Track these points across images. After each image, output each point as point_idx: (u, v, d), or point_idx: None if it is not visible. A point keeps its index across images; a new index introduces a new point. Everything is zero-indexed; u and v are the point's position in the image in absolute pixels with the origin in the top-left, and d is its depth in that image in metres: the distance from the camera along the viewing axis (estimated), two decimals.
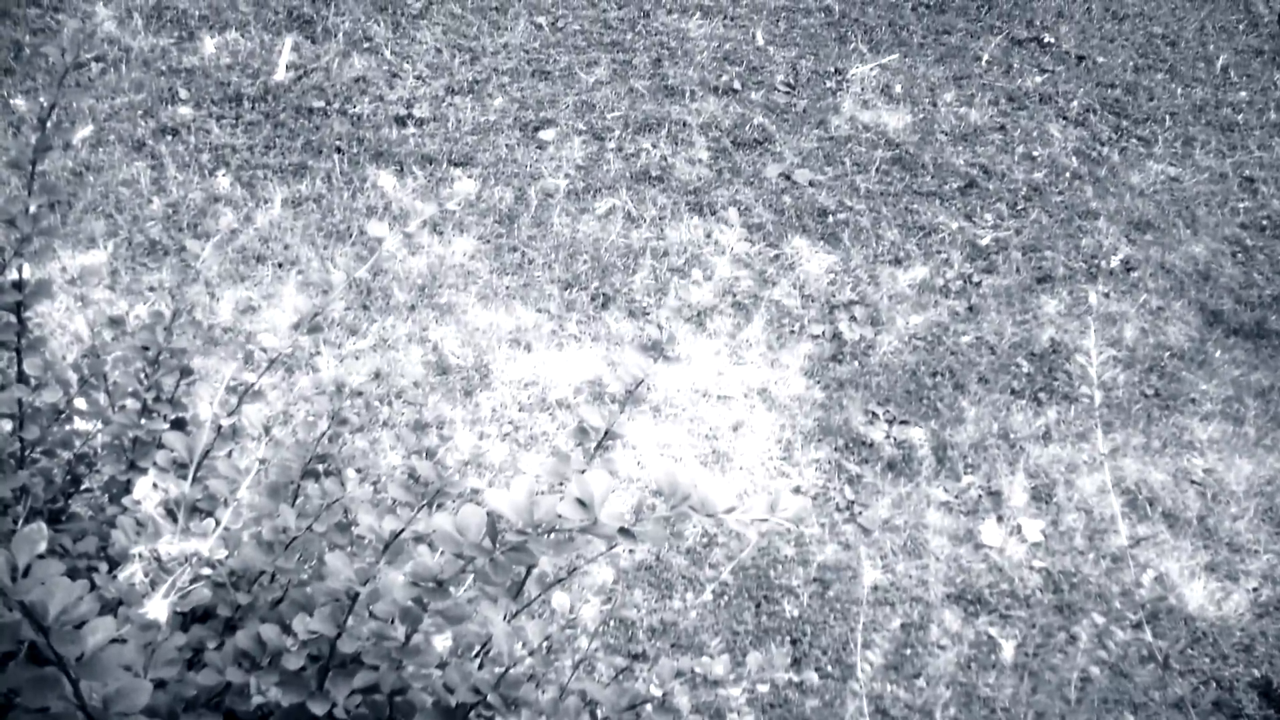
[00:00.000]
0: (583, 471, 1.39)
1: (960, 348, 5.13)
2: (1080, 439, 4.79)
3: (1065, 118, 6.52)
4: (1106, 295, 5.46)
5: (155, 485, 1.79)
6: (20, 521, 2.04)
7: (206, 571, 1.64)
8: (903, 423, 4.79)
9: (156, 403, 2.18)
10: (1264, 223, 5.99)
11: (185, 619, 1.78)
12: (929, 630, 4.08)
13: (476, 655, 1.93)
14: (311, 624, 1.66)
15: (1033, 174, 6.09)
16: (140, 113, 5.67)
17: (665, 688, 1.83)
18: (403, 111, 5.92)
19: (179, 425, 2.20)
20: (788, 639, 4.02)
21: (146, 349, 2.20)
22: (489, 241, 5.29)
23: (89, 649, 1.27)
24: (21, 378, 2.13)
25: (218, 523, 1.72)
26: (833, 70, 6.62)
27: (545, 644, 1.77)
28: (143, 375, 2.19)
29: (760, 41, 6.77)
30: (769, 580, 4.18)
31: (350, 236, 5.19)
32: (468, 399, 4.64)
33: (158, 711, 1.62)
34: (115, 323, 2.32)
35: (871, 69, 6.65)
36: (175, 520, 1.70)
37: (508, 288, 5.09)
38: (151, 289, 4.84)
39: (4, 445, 2.11)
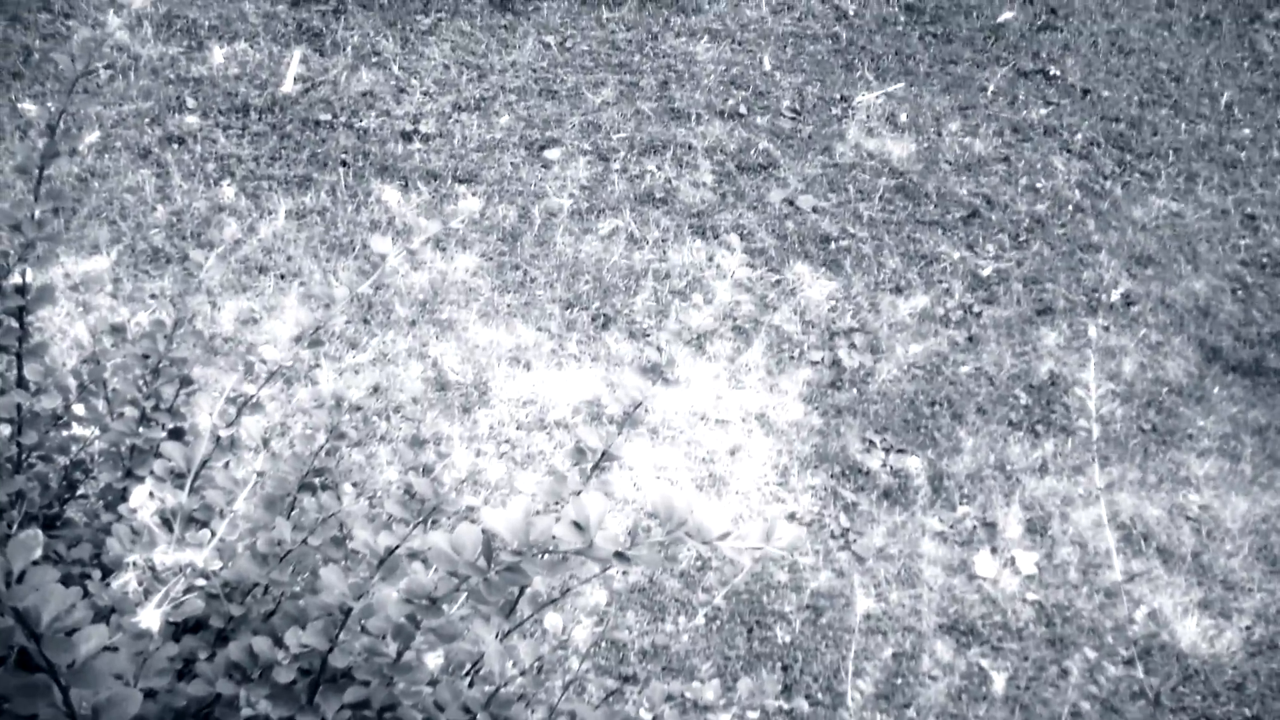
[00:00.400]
0: (579, 493, 1.39)
1: (959, 378, 5.13)
2: (1076, 472, 4.79)
3: (1069, 150, 6.54)
4: (1106, 329, 5.46)
5: (152, 494, 1.79)
6: (15, 526, 2.04)
7: (200, 582, 1.64)
8: (900, 451, 4.79)
9: (155, 411, 2.19)
10: (1264, 260, 6.00)
11: (177, 629, 1.78)
12: (920, 660, 4.08)
13: (468, 674, 1.93)
14: (304, 638, 1.66)
15: (1035, 206, 6.11)
16: (147, 120, 5.69)
17: (655, 711, 1.83)
18: (409, 127, 5.94)
19: (177, 435, 2.21)
20: (779, 665, 4.01)
21: (147, 357, 2.21)
22: (491, 259, 5.30)
23: (81, 656, 1.27)
24: (21, 382, 2.14)
25: (213, 533, 1.72)
26: (839, 97, 6.64)
27: (537, 664, 1.77)
28: (142, 383, 2.19)
29: (767, 67, 6.79)
30: (762, 606, 4.18)
31: (353, 250, 5.20)
32: (466, 416, 4.64)
33: None
34: (116, 330, 2.32)
35: (877, 97, 6.67)
36: (171, 530, 1.70)
37: (509, 306, 5.10)
38: (153, 297, 4.84)
39: (1, 450, 2.11)
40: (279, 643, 1.69)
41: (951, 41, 7.26)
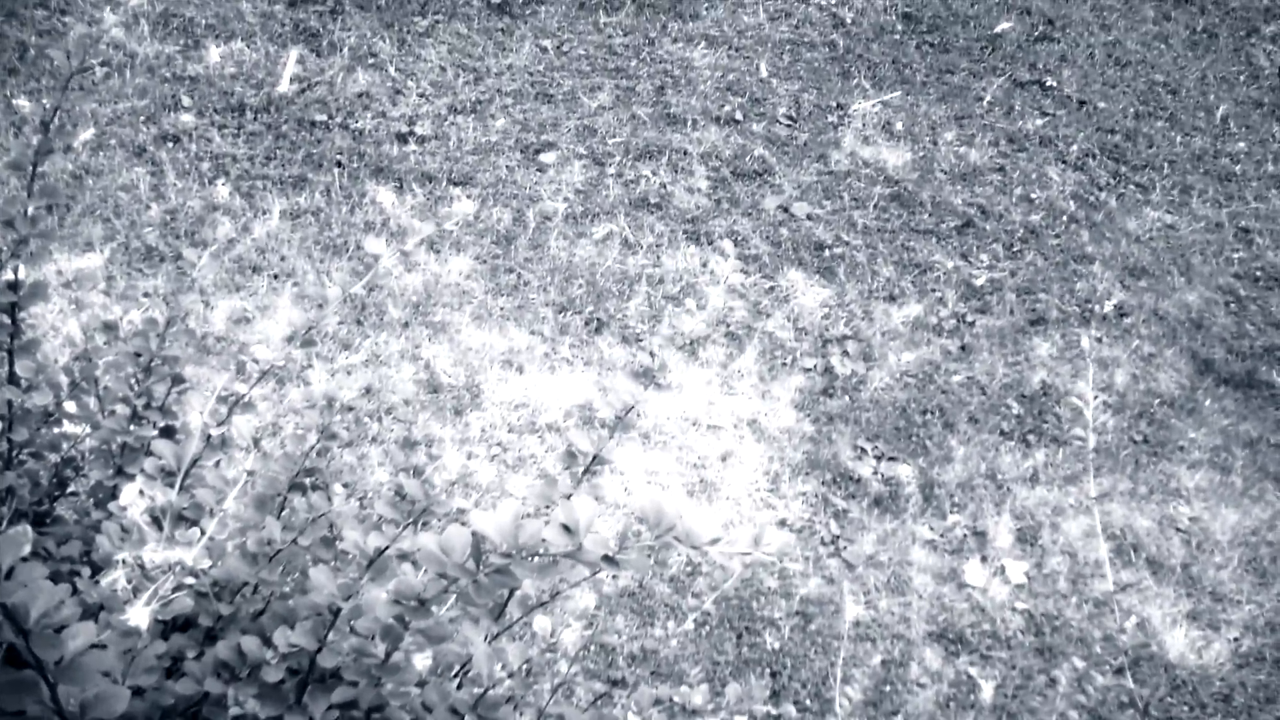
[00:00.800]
0: (569, 496, 1.40)
1: (951, 387, 5.14)
2: (1067, 482, 4.80)
3: (1064, 161, 6.55)
4: (1099, 340, 5.48)
5: (142, 492, 1.79)
6: (5, 523, 2.04)
7: (189, 581, 1.64)
8: (891, 459, 4.80)
9: (147, 410, 2.19)
10: (1258, 274, 6.02)
11: (166, 627, 1.78)
12: (909, 668, 4.08)
13: (456, 675, 1.93)
14: (293, 637, 1.66)
15: (1030, 216, 6.12)
16: (142, 119, 5.69)
17: (643, 715, 1.83)
18: (404, 128, 5.94)
19: (168, 433, 2.21)
20: (768, 671, 4.01)
21: (139, 355, 2.21)
22: (485, 262, 5.31)
23: (69, 653, 1.28)
24: (13, 379, 2.14)
25: (203, 532, 1.72)
26: (835, 105, 6.66)
27: (525, 667, 1.77)
28: (134, 381, 2.19)
29: (764, 73, 6.81)
30: (751, 611, 4.18)
31: (347, 251, 5.20)
32: (457, 418, 4.64)
33: (134, 719, 1.62)
34: (109, 328, 2.32)
35: (873, 105, 6.69)
36: (160, 528, 1.70)
37: (502, 309, 5.10)
38: (146, 295, 4.84)
39: None
40: (267, 642, 1.69)
41: (948, 51, 7.28)
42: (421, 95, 6.19)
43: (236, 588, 1.83)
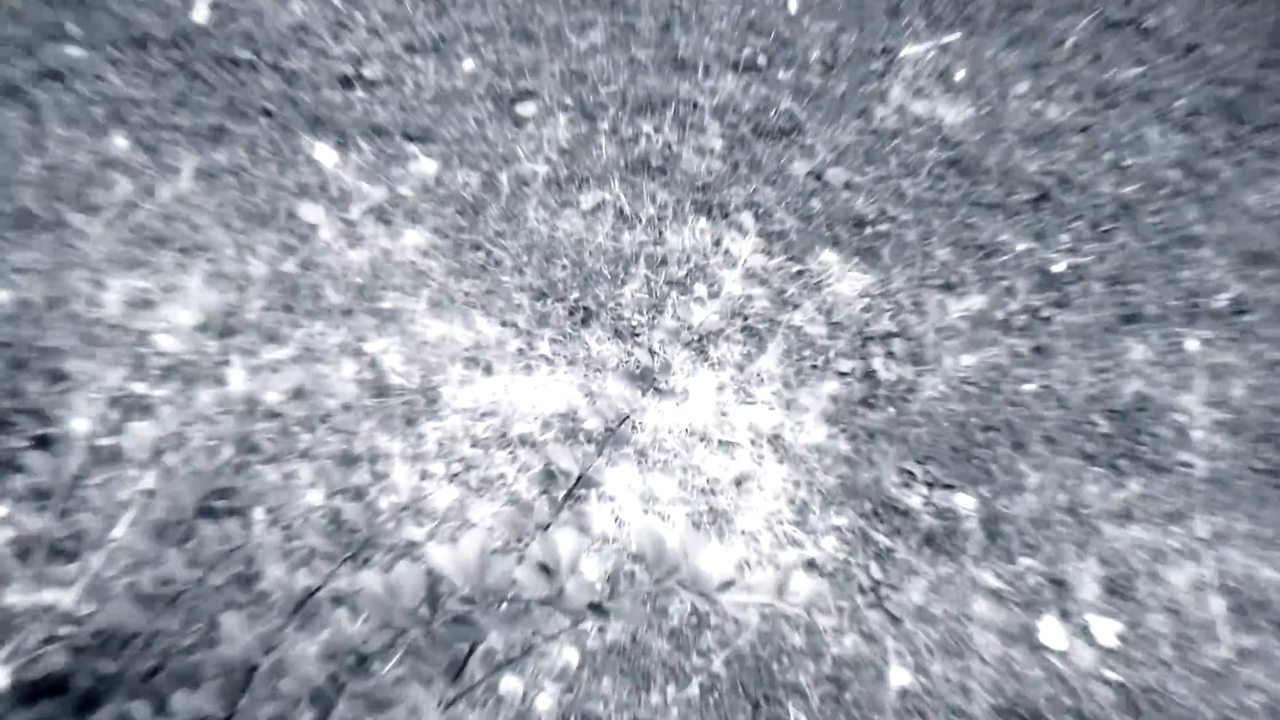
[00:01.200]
0: (548, 527, 1.38)
1: (1022, 398, 5.13)
2: (1170, 520, 4.79)
3: (1167, 120, 6.55)
4: (1209, 342, 5.47)
5: (8, 518, 1.77)
6: None
7: (64, 630, 1.61)
8: (946, 487, 4.79)
9: (17, 413, 2.16)
10: None
11: (31, 690, 1.75)
12: None
13: None
14: (196, 701, 1.64)
15: (1122, 188, 6.12)
16: (18, 50, 5.67)
17: None
18: (349, 70, 5.93)
19: (44, 443, 2.19)
20: None
21: (8, 345, 2.19)
22: (447, 236, 5.30)
23: None
24: None
25: (84, 569, 1.70)
26: (880, 49, 6.65)
27: None
28: (1, 377, 2.17)
29: (793, 9, 6.80)
30: (771, 675, 4.17)
31: (276, 220, 5.19)
32: (409, 428, 4.63)
33: None
34: None
35: (928, 49, 6.68)
36: (30, 563, 1.68)
37: (467, 294, 5.09)
38: (19, 271, 4.82)
39: None
40: (162, 709, 1.67)
41: None
42: (371, 30, 6.18)
43: (125, 639, 1.80)
